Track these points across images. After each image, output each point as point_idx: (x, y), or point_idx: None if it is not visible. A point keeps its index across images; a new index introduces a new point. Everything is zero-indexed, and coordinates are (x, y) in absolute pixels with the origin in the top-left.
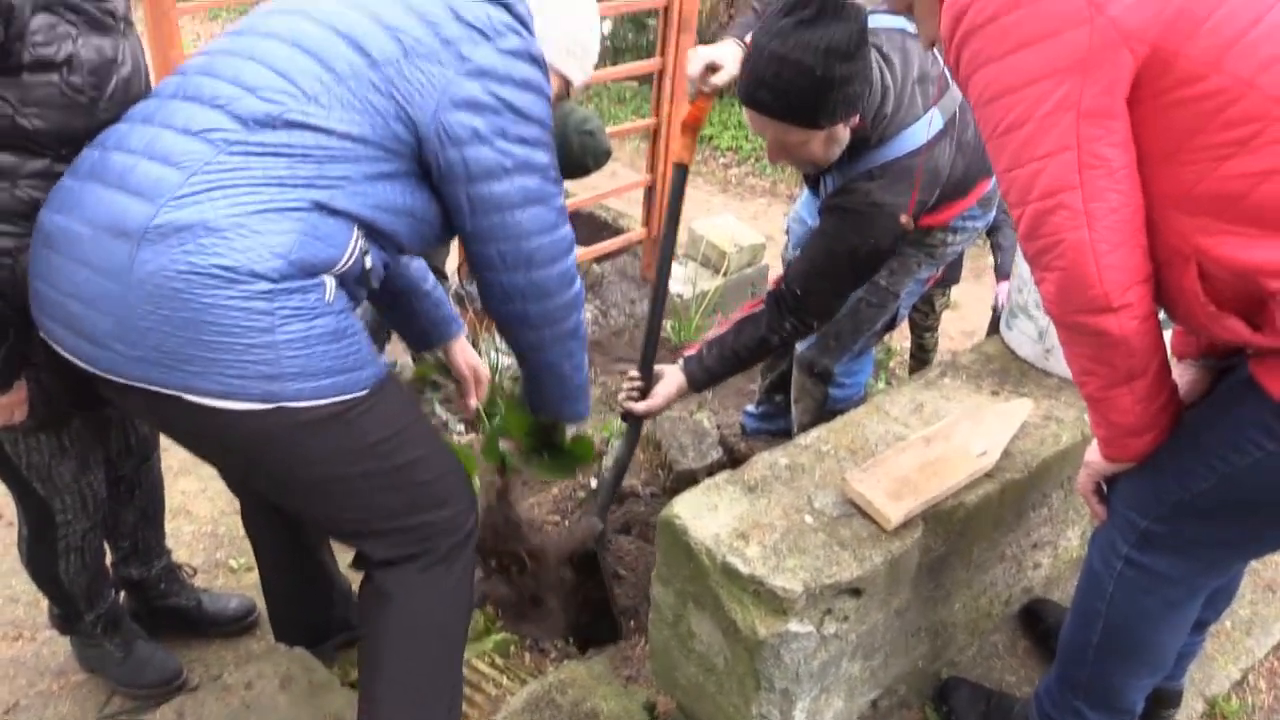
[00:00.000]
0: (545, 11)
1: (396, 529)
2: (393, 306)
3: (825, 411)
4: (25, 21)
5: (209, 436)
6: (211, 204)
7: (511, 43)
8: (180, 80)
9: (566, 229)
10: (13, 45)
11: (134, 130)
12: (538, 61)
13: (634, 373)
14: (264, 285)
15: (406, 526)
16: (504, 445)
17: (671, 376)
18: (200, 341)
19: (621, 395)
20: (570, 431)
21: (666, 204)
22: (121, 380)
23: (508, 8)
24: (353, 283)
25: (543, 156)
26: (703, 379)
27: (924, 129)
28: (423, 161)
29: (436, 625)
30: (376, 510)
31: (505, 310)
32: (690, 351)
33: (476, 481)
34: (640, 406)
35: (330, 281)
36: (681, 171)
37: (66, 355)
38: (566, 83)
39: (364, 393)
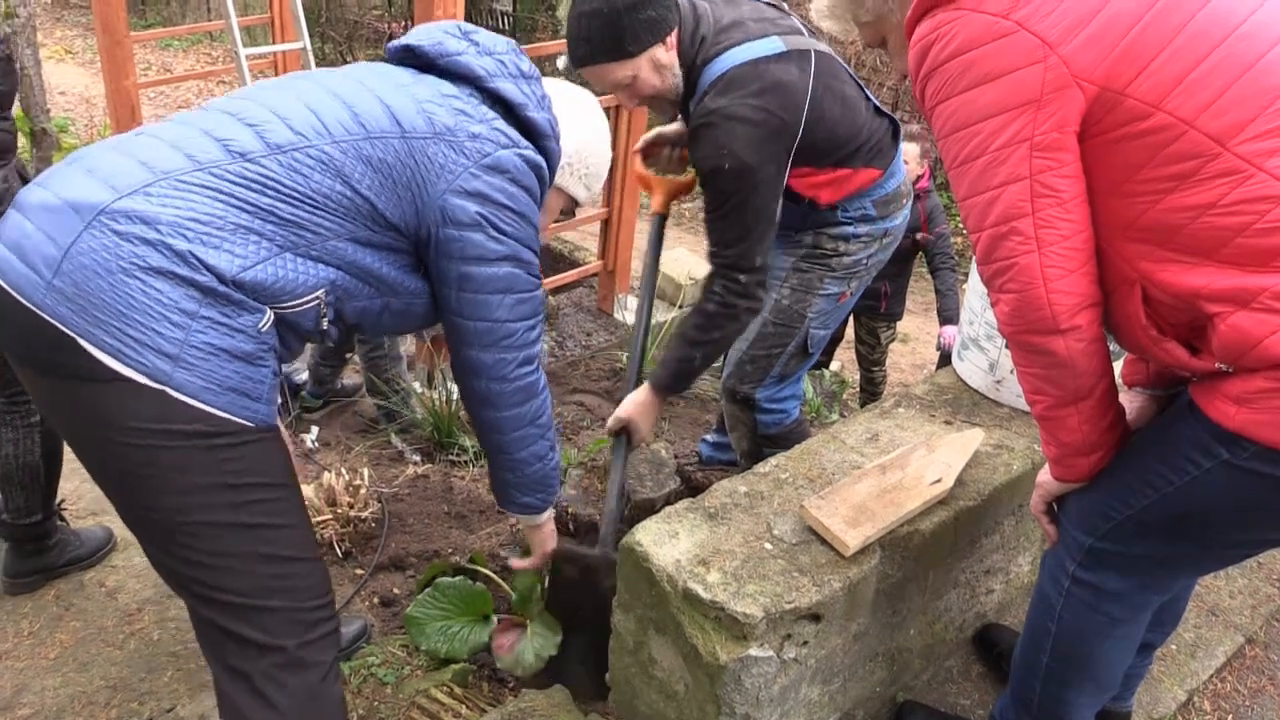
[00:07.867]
0: (564, 133)
1: (232, 601)
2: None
3: (760, 437)
4: None
5: (80, 401)
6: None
7: (526, 154)
8: (219, 104)
9: (537, 320)
10: None
11: (141, 140)
12: (539, 171)
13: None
14: (205, 282)
15: (244, 605)
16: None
17: (640, 391)
18: (120, 298)
19: (610, 421)
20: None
21: (648, 249)
22: (28, 304)
23: (531, 124)
24: (297, 331)
25: (529, 254)
26: (662, 375)
27: (755, 49)
28: (415, 237)
29: None
30: (211, 562)
31: (471, 387)
32: None
33: (494, 620)
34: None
35: (271, 315)
36: (659, 219)
37: None
38: (573, 200)
39: (247, 424)
